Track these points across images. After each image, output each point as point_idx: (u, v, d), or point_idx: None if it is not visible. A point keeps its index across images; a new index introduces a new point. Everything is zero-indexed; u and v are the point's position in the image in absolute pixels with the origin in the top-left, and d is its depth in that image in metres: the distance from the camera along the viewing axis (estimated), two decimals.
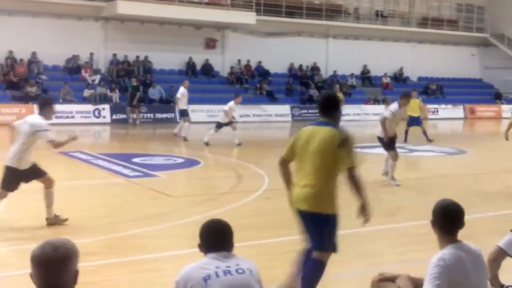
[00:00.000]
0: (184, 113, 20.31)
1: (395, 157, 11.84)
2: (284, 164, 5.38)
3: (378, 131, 12.17)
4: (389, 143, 11.86)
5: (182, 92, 19.97)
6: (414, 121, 20.39)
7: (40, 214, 8.48)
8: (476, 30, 39.92)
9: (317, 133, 5.14)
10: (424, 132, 20.34)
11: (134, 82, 26.37)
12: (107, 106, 26.44)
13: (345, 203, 10.77)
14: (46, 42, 27.23)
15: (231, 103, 18.40)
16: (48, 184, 8.26)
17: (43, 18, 27.41)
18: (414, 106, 19.54)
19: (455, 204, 3.91)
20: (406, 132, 19.93)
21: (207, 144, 17.71)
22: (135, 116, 26.06)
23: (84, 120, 25.64)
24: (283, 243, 7.54)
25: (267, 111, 29.76)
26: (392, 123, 11.80)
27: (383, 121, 11.75)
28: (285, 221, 8.91)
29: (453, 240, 3.83)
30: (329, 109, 5.28)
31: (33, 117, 8.13)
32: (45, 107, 8.06)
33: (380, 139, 12.10)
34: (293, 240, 7.63)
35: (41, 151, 17.35)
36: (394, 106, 12.02)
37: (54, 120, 24.85)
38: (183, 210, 9.33)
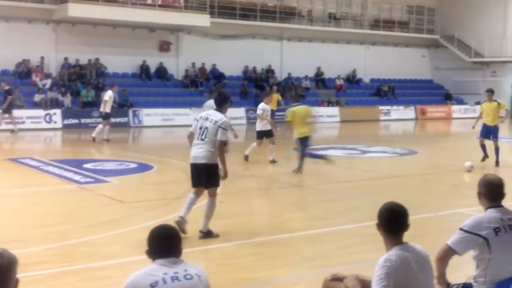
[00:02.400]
0: (108, 116, 20.36)
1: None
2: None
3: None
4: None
5: (110, 95, 20.13)
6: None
7: None
8: (426, 31, 40.74)
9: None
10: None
11: (5, 86, 23.13)
12: (58, 111, 25.96)
13: (289, 207, 10.82)
14: None
15: (262, 105, 15.49)
16: None
17: None
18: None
19: (399, 206, 3.96)
20: None
21: (246, 158, 15.16)
22: (10, 121, 23.39)
23: (35, 125, 25.12)
24: (235, 247, 7.53)
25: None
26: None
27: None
28: (238, 225, 8.93)
29: (398, 241, 3.87)
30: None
31: None
32: None
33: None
34: (245, 244, 7.66)
35: None
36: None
37: (4, 126, 24.57)
38: (135, 216, 9.22)
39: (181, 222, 7.72)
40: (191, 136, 8.00)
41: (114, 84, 22.44)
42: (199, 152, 7.83)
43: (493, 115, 15.12)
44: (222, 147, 7.80)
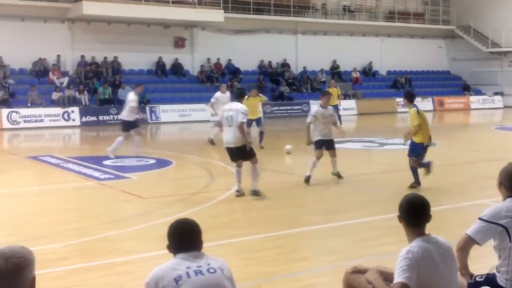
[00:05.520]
0: (130, 125, 15.35)
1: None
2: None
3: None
4: None
5: (133, 98, 15.31)
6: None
7: (6, 219, 8.35)
8: (442, 22, 40.40)
9: None
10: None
11: None
12: (76, 109, 26.15)
13: (309, 200, 10.83)
14: (11, 46, 26.83)
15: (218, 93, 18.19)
16: None
17: (6, 21, 26.97)
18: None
19: (420, 198, 3.94)
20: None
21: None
22: None
23: (53, 123, 25.32)
24: (255, 241, 7.55)
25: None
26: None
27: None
28: (257, 219, 8.95)
29: (420, 233, 3.85)
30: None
31: None
32: None
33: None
34: (265, 238, 7.67)
35: (9, 156, 17.19)
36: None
37: (23, 124, 24.89)
38: (155, 212, 9.27)
39: (239, 195, 10.04)
40: (219, 124, 10.37)
41: (137, 83, 17.70)
42: (228, 137, 9.96)
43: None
44: (242, 126, 9.82)
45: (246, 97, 16.27)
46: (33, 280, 2.62)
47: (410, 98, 11.02)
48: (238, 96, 10.53)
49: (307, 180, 11.28)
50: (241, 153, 9.95)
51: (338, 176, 11.81)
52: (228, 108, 10.18)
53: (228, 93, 17.79)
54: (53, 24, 28.18)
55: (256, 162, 10.05)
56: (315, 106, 12.54)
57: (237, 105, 10.03)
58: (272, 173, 12.86)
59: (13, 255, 2.58)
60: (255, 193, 10.04)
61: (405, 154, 11.00)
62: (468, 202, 9.80)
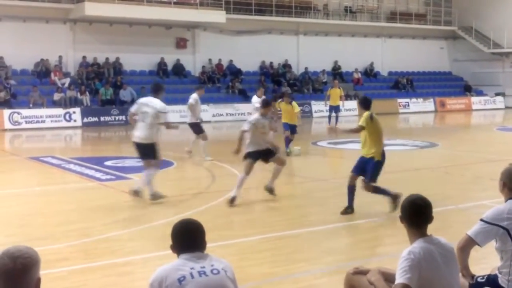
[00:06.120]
0: (198, 128, 15.97)
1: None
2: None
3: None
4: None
5: (195, 98, 15.63)
6: None
7: (7, 220, 8.34)
8: (444, 23, 40.38)
9: None
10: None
11: None
12: (77, 110, 26.16)
13: (309, 201, 10.80)
14: (13, 47, 26.88)
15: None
16: None
17: (8, 22, 27.04)
18: None
19: (422, 199, 3.93)
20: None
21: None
22: None
23: (55, 124, 25.34)
24: (256, 242, 7.55)
25: (239, 109, 29.69)
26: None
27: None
28: (258, 220, 8.95)
29: (422, 234, 3.85)
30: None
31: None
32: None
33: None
34: (266, 239, 7.67)
35: (11, 157, 17.21)
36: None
37: (24, 125, 24.88)
38: (156, 212, 9.27)
39: (133, 194, 10.03)
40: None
41: (199, 85, 17.73)
42: (139, 133, 10.11)
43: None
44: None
45: (278, 101, 16.34)
46: (38, 280, 2.63)
47: (364, 104, 9.22)
48: (155, 91, 10.17)
49: (232, 201, 9.56)
50: (143, 151, 10.07)
51: (270, 191, 10.20)
52: (145, 102, 10.02)
53: (263, 97, 16.23)
54: (55, 25, 28.21)
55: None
56: (254, 114, 10.86)
57: (154, 102, 9.92)
58: (270, 173, 12.80)
59: (21, 255, 2.59)
60: (135, 193, 9.99)
61: (408, 155, 10.96)
62: (470, 203, 9.79)
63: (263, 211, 9.50)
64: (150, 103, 9.93)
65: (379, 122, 8.99)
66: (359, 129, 8.84)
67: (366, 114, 8.93)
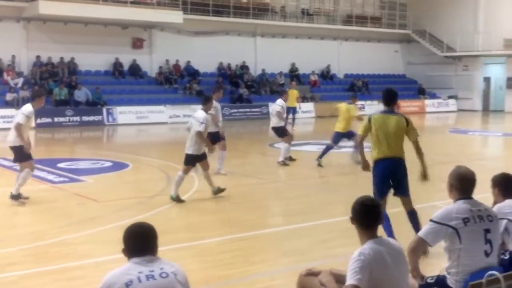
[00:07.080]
0: (283, 131, 15.07)
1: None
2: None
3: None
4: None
5: (281, 104, 14.91)
6: None
7: None
8: (398, 26, 41.04)
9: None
10: None
11: None
12: None
13: (268, 203, 10.82)
14: None
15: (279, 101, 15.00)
16: None
17: None
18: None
19: (372, 200, 4.01)
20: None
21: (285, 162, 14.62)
22: None
23: (7, 125, 24.63)
24: (212, 244, 7.53)
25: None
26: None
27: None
28: (215, 222, 8.93)
29: (372, 235, 3.91)
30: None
31: None
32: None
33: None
34: (222, 241, 7.66)
35: None
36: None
37: None
38: (110, 215, 9.16)
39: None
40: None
41: (283, 90, 17.54)
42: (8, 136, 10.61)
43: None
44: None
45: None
46: None
47: (383, 99, 7.88)
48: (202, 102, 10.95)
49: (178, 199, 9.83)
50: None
51: (218, 191, 10.34)
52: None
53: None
54: (8, 23, 27.60)
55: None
56: (202, 113, 10.97)
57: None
58: (231, 175, 12.84)
59: None
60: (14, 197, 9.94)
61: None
62: (421, 205, 9.95)
63: (220, 213, 9.48)
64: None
65: (379, 121, 7.73)
66: (361, 139, 7.93)
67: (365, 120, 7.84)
